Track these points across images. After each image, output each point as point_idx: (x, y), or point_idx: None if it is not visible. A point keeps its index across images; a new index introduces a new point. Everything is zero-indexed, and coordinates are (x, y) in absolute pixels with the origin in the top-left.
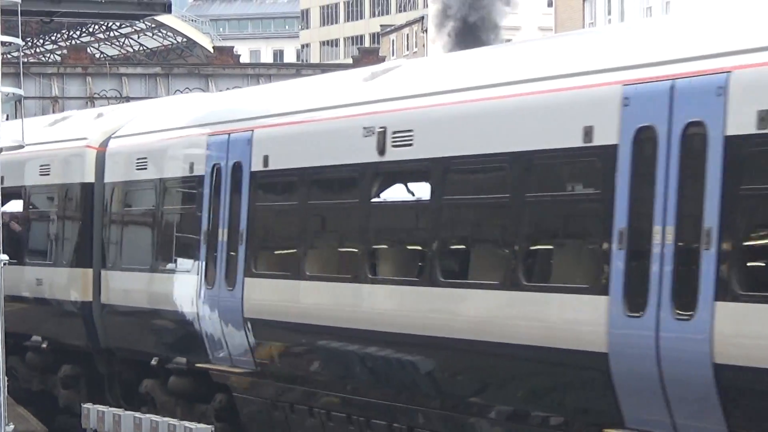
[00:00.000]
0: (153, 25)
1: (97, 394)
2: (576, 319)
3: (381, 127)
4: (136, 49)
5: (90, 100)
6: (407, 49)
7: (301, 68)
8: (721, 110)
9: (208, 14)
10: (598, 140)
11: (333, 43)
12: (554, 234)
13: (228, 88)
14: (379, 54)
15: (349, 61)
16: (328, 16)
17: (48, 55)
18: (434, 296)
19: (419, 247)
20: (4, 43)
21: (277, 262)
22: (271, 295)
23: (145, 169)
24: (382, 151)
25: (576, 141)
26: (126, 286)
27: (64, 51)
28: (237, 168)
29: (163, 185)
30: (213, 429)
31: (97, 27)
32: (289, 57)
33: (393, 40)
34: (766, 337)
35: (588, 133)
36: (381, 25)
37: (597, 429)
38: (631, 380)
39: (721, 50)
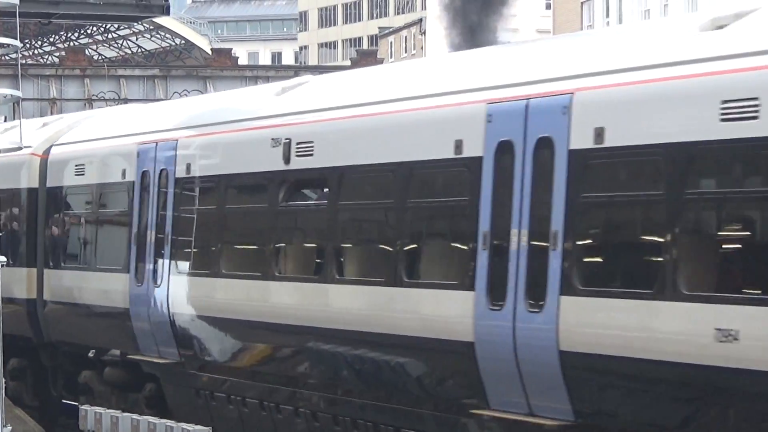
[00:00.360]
0: (151, 27)
1: (42, 385)
2: (448, 312)
3: (286, 139)
4: (134, 51)
5: (88, 102)
6: (405, 51)
7: (299, 70)
8: (566, 127)
9: (207, 16)
10: (466, 152)
11: (331, 45)
12: (430, 236)
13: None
14: (377, 56)
15: (348, 63)
16: (326, 18)
17: (46, 56)
18: (331, 292)
19: (318, 248)
20: (2, 45)
21: (198, 261)
22: (193, 292)
23: (83, 174)
24: (287, 160)
25: (448, 153)
26: (66, 284)
27: (62, 53)
28: (163, 174)
29: (98, 190)
30: (211, 429)
31: (95, 29)
32: (287, 59)
33: (391, 42)
34: (601, 327)
35: (459, 145)
36: (379, 28)
37: (466, 410)
38: (494, 366)
39: (567, 74)
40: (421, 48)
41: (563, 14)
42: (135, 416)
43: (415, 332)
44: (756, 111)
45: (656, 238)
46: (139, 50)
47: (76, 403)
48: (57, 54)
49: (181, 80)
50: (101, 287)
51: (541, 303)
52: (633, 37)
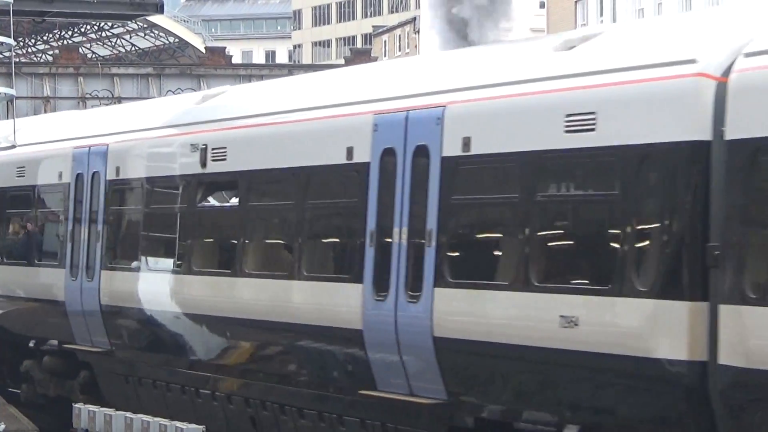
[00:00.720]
0: (145, 26)
1: None
2: (340, 302)
3: (203, 145)
4: (128, 50)
5: (81, 100)
6: (399, 50)
7: (293, 69)
8: (439, 136)
9: (200, 15)
10: (357, 158)
11: (325, 43)
12: (326, 234)
13: None
14: (371, 54)
15: (341, 61)
16: (320, 16)
17: (40, 55)
18: (240, 285)
19: (230, 245)
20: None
21: (125, 257)
22: (120, 285)
23: (23, 176)
24: (203, 164)
25: (341, 159)
26: (8, 279)
27: (56, 51)
28: (96, 177)
29: (37, 191)
30: (204, 429)
31: (89, 27)
32: (281, 57)
33: (385, 41)
34: (468, 315)
35: (350, 152)
36: (373, 26)
37: (356, 390)
38: (380, 351)
39: (441, 88)
40: (415, 46)
41: (557, 12)
42: (129, 415)
43: (314, 321)
44: (593, 124)
45: (512, 236)
46: (133, 48)
47: (18, 391)
48: (51, 52)
49: (175, 79)
50: (40, 281)
51: (418, 294)
52: (499, 55)
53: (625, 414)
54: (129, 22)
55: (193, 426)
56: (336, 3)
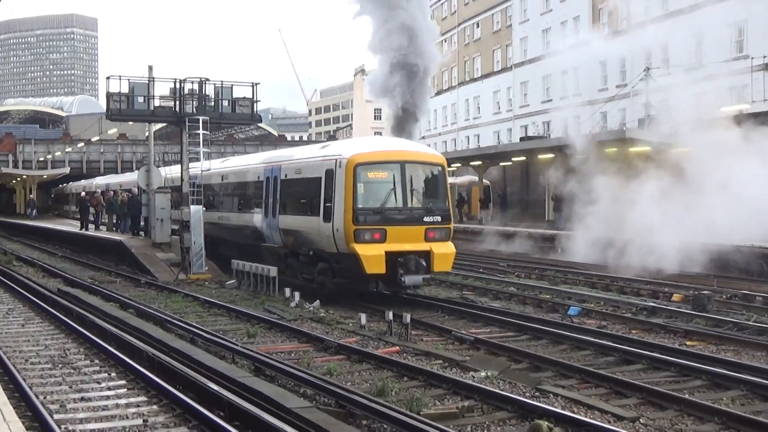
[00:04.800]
0: (256, 126)
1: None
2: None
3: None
4: (250, 135)
5: (232, 154)
6: (345, 136)
7: (309, 143)
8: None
9: (277, 123)
10: (261, 178)
11: (320, 134)
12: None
13: None
14: (336, 137)
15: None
16: (318, 123)
17: (219, 136)
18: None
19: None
20: (204, 133)
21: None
22: (292, 223)
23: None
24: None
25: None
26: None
27: (224, 135)
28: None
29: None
30: (277, 269)
31: (236, 126)
32: (305, 138)
33: (339, 134)
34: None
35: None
36: (336, 127)
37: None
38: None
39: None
40: (351, 135)
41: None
42: (248, 263)
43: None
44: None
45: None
46: (252, 134)
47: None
48: (222, 135)
49: (267, 147)
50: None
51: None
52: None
53: None
54: (251, 125)
55: (273, 267)
56: (323, 119)
